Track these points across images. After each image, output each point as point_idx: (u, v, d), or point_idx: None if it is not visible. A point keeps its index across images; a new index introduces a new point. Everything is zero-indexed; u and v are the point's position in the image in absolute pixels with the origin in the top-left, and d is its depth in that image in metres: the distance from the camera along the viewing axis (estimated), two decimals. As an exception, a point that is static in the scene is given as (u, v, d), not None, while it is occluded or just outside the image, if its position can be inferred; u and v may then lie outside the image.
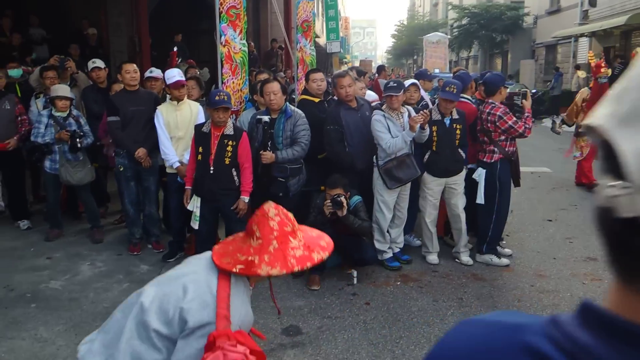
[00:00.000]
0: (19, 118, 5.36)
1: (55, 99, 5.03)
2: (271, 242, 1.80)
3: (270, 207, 1.90)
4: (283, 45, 13.03)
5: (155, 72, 5.22)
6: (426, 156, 4.74)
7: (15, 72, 6.17)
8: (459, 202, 4.81)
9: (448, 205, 4.88)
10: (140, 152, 4.71)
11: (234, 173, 4.14)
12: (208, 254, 1.87)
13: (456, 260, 4.91)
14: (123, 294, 4.08)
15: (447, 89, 4.57)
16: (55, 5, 11.37)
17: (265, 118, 4.33)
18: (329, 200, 4.16)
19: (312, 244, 1.90)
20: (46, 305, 3.75)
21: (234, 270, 1.75)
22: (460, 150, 4.71)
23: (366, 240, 4.46)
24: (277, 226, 1.84)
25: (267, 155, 4.21)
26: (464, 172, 4.78)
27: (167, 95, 5.27)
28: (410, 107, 4.82)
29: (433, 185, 4.76)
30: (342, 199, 4.15)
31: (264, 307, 3.95)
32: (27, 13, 9.76)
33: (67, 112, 5.07)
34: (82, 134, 4.99)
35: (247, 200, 4.17)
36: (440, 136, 4.66)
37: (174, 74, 4.60)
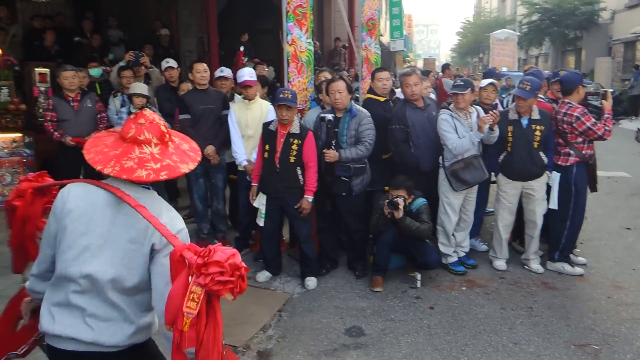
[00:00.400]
0: (99, 115, 5.65)
1: (132, 96, 5.30)
2: (119, 147, 1.79)
3: (146, 115, 1.82)
4: (346, 44, 13.01)
5: (226, 71, 5.35)
6: (501, 157, 4.57)
7: (95, 72, 6.51)
8: (537, 208, 4.57)
9: (525, 211, 4.68)
10: (209, 149, 4.84)
11: (299, 172, 4.17)
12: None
13: (525, 267, 4.71)
14: (191, 287, 4.22)
15: (521, 85, 4.39)
16: (131, 8, 11.92)
17: (329, 116, 4.33)
18: (387, 201, 4.12)
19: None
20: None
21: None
22: (541, 153, 4.45)
23: (430, 243, 4.37)
24: (133, 132, 1.78)
25: (331, 154, 4.21)
26: (544, 177, 4.51)
27: (235, 94, 5.40)
28: (479, 107, 4.67)
29: (508, 189, 4.59)
30: (399, 200, 4.08)
31: (327, 307, 3.97)
32: (105, 15, 10.29)
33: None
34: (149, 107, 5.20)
35: (310, 200, 4.19)
36: (516, 137, 4.46)
37: (243, 74, 4.69)
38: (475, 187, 4.60)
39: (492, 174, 4.81)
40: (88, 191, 1.82)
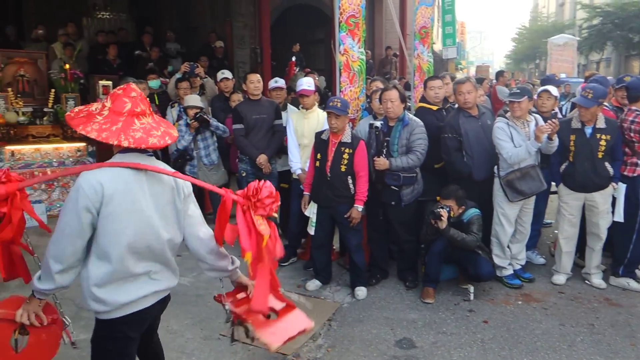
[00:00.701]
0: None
1: (187, 108, 5.47)
2: (118, 121, 1.94)
3: (134, 89, 2.02)
4: (397, 52, 12.95)
5: (280, 82, 5.45)
6: (563, 167, 4.40)
7: (154, 83, 6.78)
8: (601, 221, 4.36)
9: (588, 223, 4.48)
10: (261, 158, 4.93)
11: (350, 181, 4.16)
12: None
13: (586, 282, 4.51)
14: (243, 293, 4.29)
15: (583, 93, 4.21)
16: (188, 21, 12.37)
17: (377, 123, 4.33)
18: (430, 211, 4.06)
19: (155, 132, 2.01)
20: (176, 300, 4.01)
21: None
22: (607, 164, 4.25)
23: (482, 254, 4.25)
24: (129, 106, 1.97)
25: (381, 162, 4.19)
26: (609, 189, 4.30)
27: (288, 104, 5.47)
28: (538, 116, 4.51)
29: (569, 199, 4.41)
30: (442, 211, 4.00)
31: (377, 317, 3.93)
32: (164, 29, 10.72)
33: None
34: (206, 115, 5.32)
35: (360, 209, 4.17)
36: (579, 147, 4.27)
37: (301, 83, 4.76)
38: (533, 198, 4.44)
39: (553, 184, 4.64)
40: (114, 174, 1.95)
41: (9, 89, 6.40)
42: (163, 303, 2.21)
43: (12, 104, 6.29)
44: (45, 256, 1.95)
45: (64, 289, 2.00)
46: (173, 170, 2.08)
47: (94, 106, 2.02)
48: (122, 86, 2.07)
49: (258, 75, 5.18)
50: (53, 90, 6.70)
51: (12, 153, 6.14)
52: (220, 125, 5.44)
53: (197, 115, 5.23)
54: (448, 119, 4.60)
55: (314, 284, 4.42)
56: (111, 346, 2.09)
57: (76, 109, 2.04)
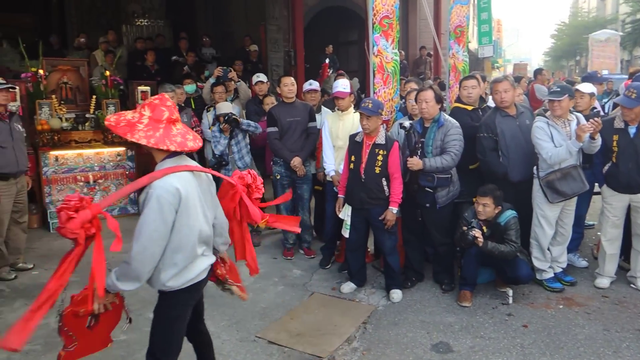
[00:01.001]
0: (194, 129, 5.99)
1: (219, 117, 5.55)
2: (159, 128, 2.26)
3: (169, 98, 2.36)
4: (431, 52, 12.80)
5: (314, 84, 5.47)
6: (606, 167, 4.26)
7: (190, 88, 6.91)
8: None
9: (633, 225, 4.32)
10: (296, 161, 4.96)
11: (384, 183, 4.14)
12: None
13: (632, 285, 4.35)
14: (279, 295, 4.32)
15: (627, 93, 4.05)
16: (223, 26, 12.56)
17: (407, 123, 4.30)
18: (461, 232, 3.97)
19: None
20: (213, 302, 4.10)
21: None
22: None
23: (521, 256, 4.15)
24: (167, 114, 2.28)
25: (414, 161, 4.15)
26: None
27: (322, 107, 5.49)
28: (579, 114, 4.38)
29: (613, 201, 4.26)
30: (476, 232, 3.91)
31: (412, 320, 3.89)
32: (200, 35, 10.93)
33: None
34: (234, 115, 5.37)
35: (395, 211, 4.14)
36: (622, 147, 4.13)
37: (337, 85, 4.77)
38: (574, 199, 4.31)
39: (596, 184, 4.50)
40: (180, 177, 2.28)
41: (53, 96, 6.64)
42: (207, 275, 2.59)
43: (56, 110, 6.53)
44: (131, 263, 2.25)
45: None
46: (196, 165, 2.49)
47: (130, 115, 2.28)
48: (157, 96, 2.35)
49: (292, 78, 5.21)
50: (94, 96, 6.92)
51: (56, 158, 6.38)
52: (252, 122, 5.49)
53: (227, 117, 5.29)
54: (484, 118, 4.52)
55: (348, 287, 4.41)
56: (175, 312, 2.44)
57: (112, 118, 2.26)
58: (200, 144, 2.40)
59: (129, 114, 2.28)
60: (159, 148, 2.23)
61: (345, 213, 4.34)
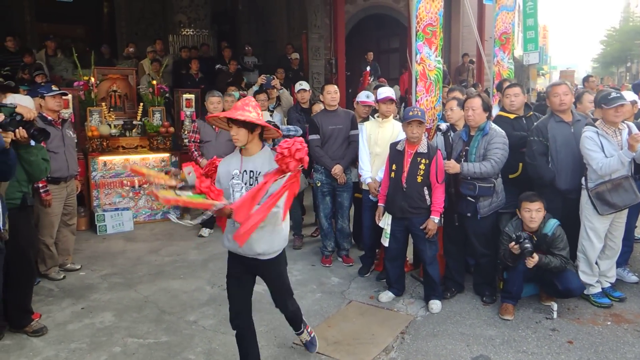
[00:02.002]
0: (236, 137, 6.10)
1: None
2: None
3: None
4: (474, 59, 12.60)
5: (372, 97, 5.30)
6: None
7: (234, 95, 7.05)
8: None
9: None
10: (337, 168, 4.97)
11: (426, 192, 4.09)
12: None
13: (687, 304, 4.13)
14: (316, 303, 4.33)
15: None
16: (265, 35, 12.77)
17: (443, 125, 4.24)
18: (517, 246, 3.86)
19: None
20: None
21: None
22: None
23: (570, 268, 4.01)
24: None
25: (451, 164, 4.10)
26: None
27: (370, 116, 5.49)
28: (631, 123, 4.20)
29: (666, 216, 4.08)
30: (528, 245, 3.81)
31: (452, 332, 3.82)
32: (243, 44, 11.15)
33: None
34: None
35: (437, 221, 4.09)
36: None
37: (384, 91, 4.76)
38: (625, 212, 4.13)
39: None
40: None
41: (103, 104, 6.92)
42: None
43: (105, 117, 6.79)
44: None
45: None
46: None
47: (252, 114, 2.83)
48: (246, 98, 2.97)
49: (335, 86, 5.24)
50: (141, 104, 7.16)
51: (105, 163, 6.61)
52: (291, 127, 5.60)
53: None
54: (538, 122, 4.43)
55: (387, 296, 4.38)
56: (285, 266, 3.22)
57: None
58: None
59: (252, 114, 2.82)
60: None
61: (385, 222, 4.31)
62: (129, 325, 3.95)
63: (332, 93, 5.11)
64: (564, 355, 3.48)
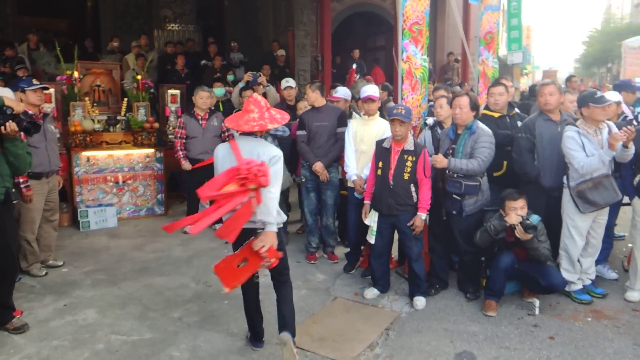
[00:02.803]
0: (225, 134, 6.07)
1: None
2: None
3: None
4: (459, 58, 12.69)
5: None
6: (637, 178, 4.15)
7: (219, 91, 7.01)
8: None
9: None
10: (317, 165, 4.98)
11: (412, 189, 4.12)
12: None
13: (663, 300, 4.22)
14: (301, 299, 4.33)
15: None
16: (251, 31, 12.70)
17: (430, 120, 4.29)
18: (520, 224, 3.89)
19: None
20: (237, 303, 4.13)
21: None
22: None
23: (551, 264, 4.07)
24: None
25: (438, 158, 4.15)
26: None
27: (353, 112, 5.51)
28: (611, 123, 4.28)
29: (645, 214, 4.16)
30: (529, 222, 3.87)
31: (436, 328, 3.86)
32: (229, 40, 11.08)
33: None
34: None
35: (423, 218, 4.12)
36: None
37: (367, 89, 4.78)
38: (606, 209, 4.21)
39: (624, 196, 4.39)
40: None
41: (87, 99, 6.83)
42: None
43: (88, 112, 6.70)
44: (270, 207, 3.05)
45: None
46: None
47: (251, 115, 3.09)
48: (252, 97, 3.18)
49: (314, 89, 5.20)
50: (125, 99, 7.08)
51: (88, 159, 6.53)
52: (279, 126, 5.56)
53: None
54: (526, 119, 4.50)
55: (371, 292, 4.40)
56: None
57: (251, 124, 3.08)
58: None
59: (253, 114, 3.08)
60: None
61: (371, 219, 4.33)
62: (112, 322, 3.92)
63: (303, 109, 5.38)
64: (545, 350, 3.53)
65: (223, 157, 3.17)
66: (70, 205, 6.49)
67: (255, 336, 3.54)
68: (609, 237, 4.74)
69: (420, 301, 4.21)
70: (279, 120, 3.13)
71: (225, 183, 2.96)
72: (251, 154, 3.09)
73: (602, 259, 4.69)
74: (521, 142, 4.32)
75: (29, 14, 11.95)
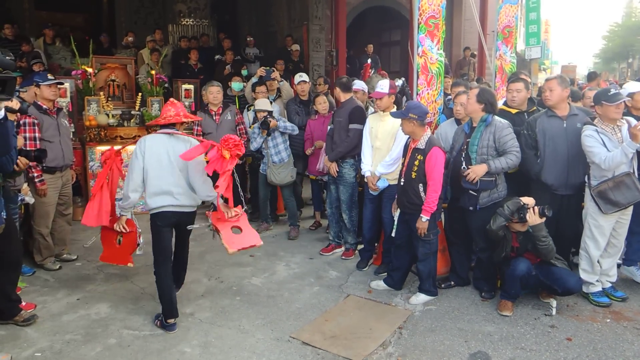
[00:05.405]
0: (238, 126, 6.06)
1: (257, 112, 5.73)
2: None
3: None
4: (475, 53, 12.51)
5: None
6: None
7: (237, 86, 6.97)
8: None
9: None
10: (325, 159, 5.02)
11: (421, 188, 4.03)
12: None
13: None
14: (314, 296, 4.30)
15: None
16: (266, 26, 12.66)
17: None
18: (535, 206, 3.82)
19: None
20: (248, 300, 4.12)
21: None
22: None
23: (561, 265, 3.97)
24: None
25: (475, 169, 4.02)
26: None
27: (369, 107, 5.48)
28: (629, 118, 4.14)
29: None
30: (540, 208, 3.81)
31: (450, 328, 3.79)
32: (244, 35, 11.06)
33: None
34: (271, 117, 5.64)
35: (425, 220, 4.00)
36: None
37: (377, 86, 4.72)
38: (630, 209, 4.06)
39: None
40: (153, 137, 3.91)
41: (101, 93, 6.84)
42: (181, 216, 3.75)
43: (103, 107, 6.72)
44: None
45: (133, 205, 3.79)
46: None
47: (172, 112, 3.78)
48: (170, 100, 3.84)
49: (324, 98, 5.54)
50: (140, 93, 7.09)
51: (102, 153, 6.53)
52: (288, 124, 5.73)
53: (262, 121, 5.56)
54: (532, 116, 4.41)
55: (376, 284, 4.45)
56: (153, 230, 3.77)
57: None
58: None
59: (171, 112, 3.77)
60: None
61: (396, 214, 4.34)
62: (124, 316, 3.92)
63: (322, 103, 5.50)
64: (562, 352, 3.45)
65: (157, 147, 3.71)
66: (84, 199, 6.52)
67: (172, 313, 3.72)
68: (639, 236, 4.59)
69: (416, 297, 4.20)
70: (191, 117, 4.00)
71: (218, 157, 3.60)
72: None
73: (636, 260, 4.56)
74: (522, 140, 4.25)
75: (45, 9, 12.06)
